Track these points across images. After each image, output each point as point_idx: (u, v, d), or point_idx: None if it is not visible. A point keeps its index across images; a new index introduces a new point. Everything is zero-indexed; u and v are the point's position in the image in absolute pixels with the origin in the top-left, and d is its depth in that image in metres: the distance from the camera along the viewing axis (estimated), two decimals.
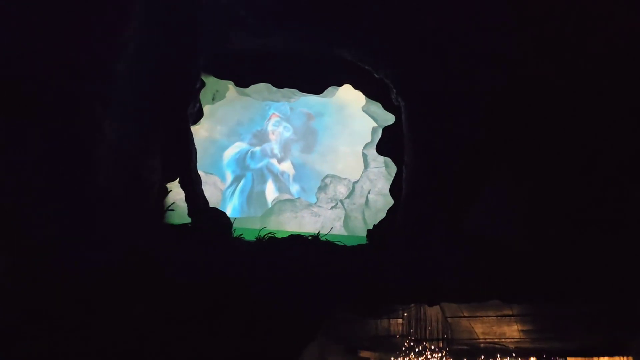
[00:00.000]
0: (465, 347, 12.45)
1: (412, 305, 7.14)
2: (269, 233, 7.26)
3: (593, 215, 6.50)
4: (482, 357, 12.81)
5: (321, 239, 7.18)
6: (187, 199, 7.62)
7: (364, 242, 7.62)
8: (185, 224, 7.31)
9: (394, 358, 10.78)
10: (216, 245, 6.91)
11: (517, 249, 6.53)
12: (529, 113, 6.96)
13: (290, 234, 7.54)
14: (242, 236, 7.33)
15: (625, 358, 12.73)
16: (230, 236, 7.30)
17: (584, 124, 6.71)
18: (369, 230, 7.81)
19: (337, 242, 7.17)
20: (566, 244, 6.48)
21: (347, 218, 11.40)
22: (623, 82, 6.56)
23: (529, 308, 6.89)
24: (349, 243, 7.24)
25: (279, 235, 7.27)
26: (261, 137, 13.66)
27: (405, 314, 7.30)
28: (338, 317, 7.01)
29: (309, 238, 7.18)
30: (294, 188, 13.37)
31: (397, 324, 8.11)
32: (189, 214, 7.57)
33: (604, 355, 12.93)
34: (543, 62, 6.85)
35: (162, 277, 6.16)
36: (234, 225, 7.56)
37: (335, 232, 10.41)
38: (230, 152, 13.13)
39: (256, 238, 7.19)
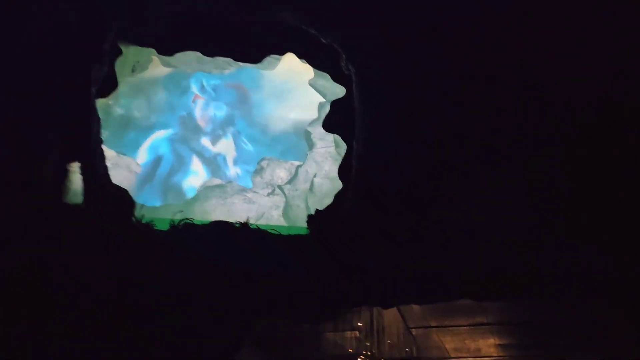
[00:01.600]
0: None
1: (364, 308, 6.28)
2: (185, 219, 6.29)
3: (582, 198, 5.87)
4: None
5: (251, 227, 6.34)
6: (82, 174, 6.34)
7: (305, 232, 6.84)
8: (76, 205, 6.07)
9: None
10: (114, 233, 5.76)
11: (491, 238, 5.84)
12: (501, 89, 6.45)
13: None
14: (152, 223, 6.22)
15: None
16: (133, 221, 6.14)
17: (561, 114, 6.25)
18: (310, 216, 6.96)
19: (271, 231, 6.37)
20: (548, 231, 5.86)
21: (287, 206, 10.55)
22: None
23: (507, 314, 6.01)
24: (286, 232, 6.54)
25: (198, 223, 6.38)
26: (188, 124, 12.40)
27: (359, 324, 6.26)
28: (268, 325, 6.18)
29: (236, 225, 6.31)
30: (234, 171, 12.12)
31: (347, 337, 6.88)
32: (84, 193, 6.29)
33: None
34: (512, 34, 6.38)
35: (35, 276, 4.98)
36: (148, 215, 6.50)
37: (272, 222, 9.37)
38: (152, 136, 11.85)
39: (170, 226, 6.23)
